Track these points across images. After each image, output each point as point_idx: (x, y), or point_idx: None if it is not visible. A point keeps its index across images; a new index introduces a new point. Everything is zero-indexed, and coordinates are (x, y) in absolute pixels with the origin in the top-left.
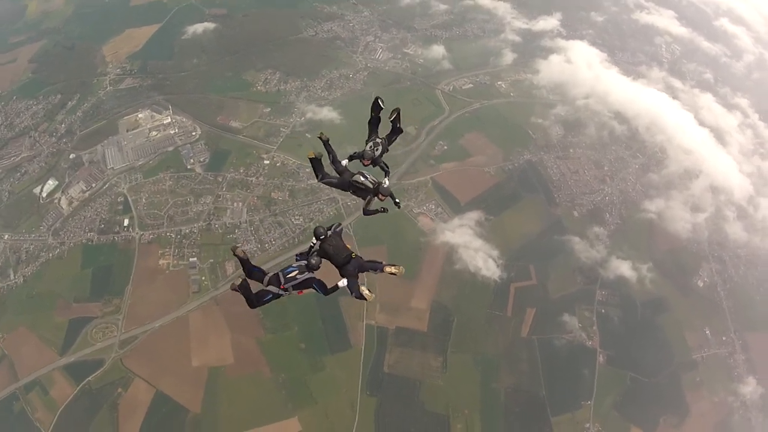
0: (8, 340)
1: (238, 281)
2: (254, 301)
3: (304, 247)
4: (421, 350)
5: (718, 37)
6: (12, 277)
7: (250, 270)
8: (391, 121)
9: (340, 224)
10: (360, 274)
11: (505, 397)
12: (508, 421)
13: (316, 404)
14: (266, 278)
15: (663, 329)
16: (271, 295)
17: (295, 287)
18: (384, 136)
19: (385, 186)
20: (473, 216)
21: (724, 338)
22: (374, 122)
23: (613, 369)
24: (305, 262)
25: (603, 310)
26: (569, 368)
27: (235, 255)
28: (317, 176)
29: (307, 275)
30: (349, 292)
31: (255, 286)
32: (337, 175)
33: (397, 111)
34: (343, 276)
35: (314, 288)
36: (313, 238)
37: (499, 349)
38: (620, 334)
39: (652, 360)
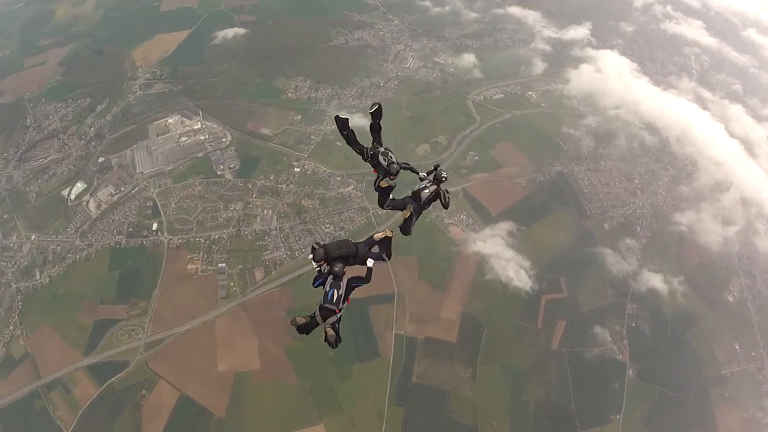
0: (32, 339)
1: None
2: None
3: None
4: (449, 361)
5: (746, 47)
6: (38, 277)
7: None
8: (371, 113)
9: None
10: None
11: (534, 410)
12: None
13: (343, 412)
14: (318, 317)
15: (692, 343)
16: (337, 318)
17: (344, 300)
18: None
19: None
20: (504, 226)
21: (753, 354)
22: (375, 128)
23: (642, 383)
24: (331, 276)
25: (633, 324)
26: (598, 381)
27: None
28: (382, 203)
29: (340, 282)
30: (386, 259)
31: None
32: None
33: (378, 105)
34: (365, 262)
35: (358, 285)
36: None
37: (528, 361)
38: (650, 348)
39: (680, 374)
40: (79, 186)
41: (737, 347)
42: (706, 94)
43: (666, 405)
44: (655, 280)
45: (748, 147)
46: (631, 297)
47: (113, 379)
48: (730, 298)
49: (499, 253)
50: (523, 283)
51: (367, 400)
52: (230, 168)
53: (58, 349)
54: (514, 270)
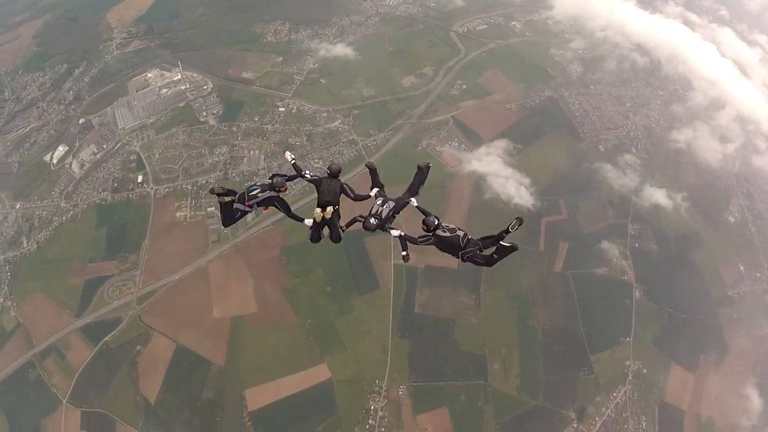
0: (23, 308)
1: (222, 196)
2: (226, 219)
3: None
4: (452, 288)
5: None
6: (25, 244)
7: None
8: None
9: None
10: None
11: (542, 335)
12: (547, 359)
13: (346, 349)
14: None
15: (697, 264)
16: (239, 213)
17: (259, 204)
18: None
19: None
20: (501, 144)
21: (758, 275)
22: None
23: (650, 304)
24: (269, 182)
25: (636, 245)
26: (606, 304)
27: (215, 194)
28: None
29: (269, 194)
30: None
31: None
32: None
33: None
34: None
35: (276, 206)
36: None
37: (533, 285)
38: (655, 269)
39: (688, 295)
40: (61, 149)
41: (742, 268)
42: (694, 18)
43: (675, 326)
44: (659, 195)
45: (741, 68)
46: (633, 217)
47: (107, 338)
48: (731, 219)
49: (497, 171)
50: (524, 201)
51: (370, 335)
52: (213, 114)
53: (49, 315)
54: (514, 187)
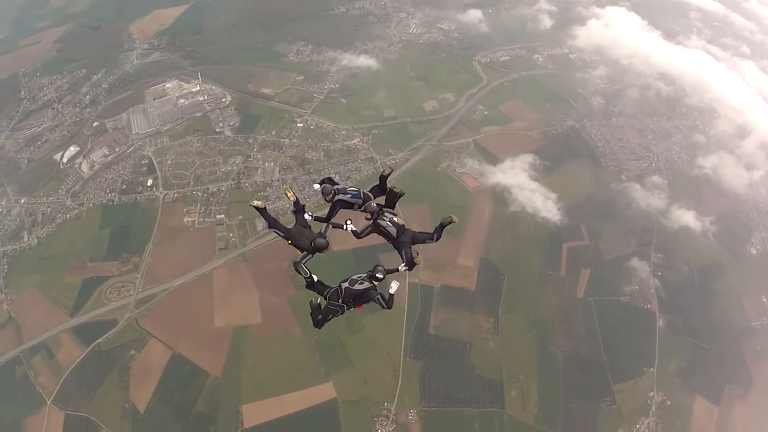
0: (16, 303)
1: (315, 301)
2: (320, 322)
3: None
4: (469, 310)
5: (749, 16)
6: (26, 239)
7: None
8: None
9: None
10: None
11: (563, 362)
12: (567, 388)
13: (354, 368)
14: (327, 293)
15: (720, 295)
16: (331, 316)
17: (354, 301)
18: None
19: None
20: (527, 158)
21: None
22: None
23: (674, 335)
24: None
25: (659, 273)
26: (629, 332)
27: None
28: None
29: (366, 285)
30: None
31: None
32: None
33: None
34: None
35: (376, 301)
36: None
37: (554, 311)
38: (678, 299)
39: (712, 326)
40: (72, 150)
41: (765, 300)
42: (717, 51)
43: (699, 358)
44: (687, 217)
45: (766, 99)
46: (655, 246)
47: (100, 340)
48: (753, 251)
49: (522, 184)
50: (552, 215)
51: (380, 355)
52: (230, 125)
53: (43, 312)
54: (540, 201)
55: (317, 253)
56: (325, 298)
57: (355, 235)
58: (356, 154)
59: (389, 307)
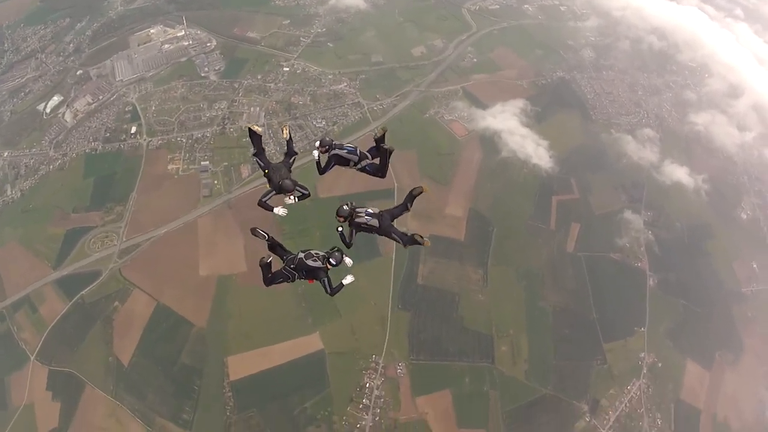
0: None
1: (266, 259)
2: (269, 280)
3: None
4: (458, 261)
5: None
6: (9, 192)
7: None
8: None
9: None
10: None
11: (553, 318)
12: (557, 345)
13: (341, 318)
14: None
15: (711, 257)
16: (281, 279)
17: (306, 275)
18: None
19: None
20: (517, 104)
21: None
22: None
23: (664, 295)
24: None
25: (649, 231)
26: (619, 290)
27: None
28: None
29: (318, 264)
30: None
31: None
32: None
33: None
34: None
35: (322, 283)
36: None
37: (543, 264)
38: (669, 258)
39: (702, 288)
40: (56, 99)
41: (755, 266)
42: (711, 10)
43: (691, 320)
44: (680, 173)
45: (759, 60)
46: (646, 203)
47: (83, 292)
48: (744, 216)
49: (513, 129)
50: (543, 162)
51: (367, 305)
52: (215, 70)
53: (26, 265)
54: (532, 147)
55: (281, 193)
56: (283, 261)
57: (343, 241)
58: (343, 99)
59: (331, 294)
